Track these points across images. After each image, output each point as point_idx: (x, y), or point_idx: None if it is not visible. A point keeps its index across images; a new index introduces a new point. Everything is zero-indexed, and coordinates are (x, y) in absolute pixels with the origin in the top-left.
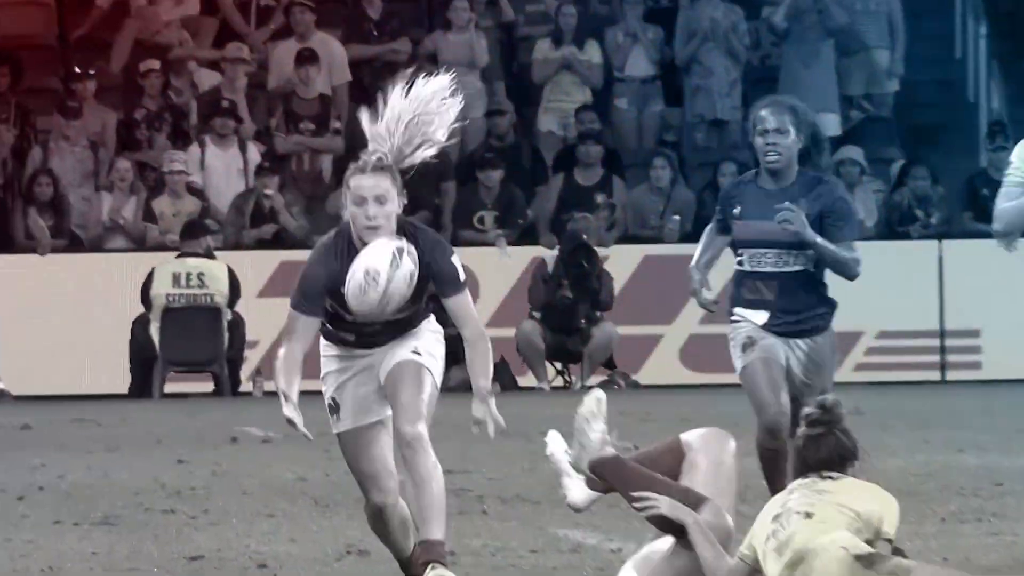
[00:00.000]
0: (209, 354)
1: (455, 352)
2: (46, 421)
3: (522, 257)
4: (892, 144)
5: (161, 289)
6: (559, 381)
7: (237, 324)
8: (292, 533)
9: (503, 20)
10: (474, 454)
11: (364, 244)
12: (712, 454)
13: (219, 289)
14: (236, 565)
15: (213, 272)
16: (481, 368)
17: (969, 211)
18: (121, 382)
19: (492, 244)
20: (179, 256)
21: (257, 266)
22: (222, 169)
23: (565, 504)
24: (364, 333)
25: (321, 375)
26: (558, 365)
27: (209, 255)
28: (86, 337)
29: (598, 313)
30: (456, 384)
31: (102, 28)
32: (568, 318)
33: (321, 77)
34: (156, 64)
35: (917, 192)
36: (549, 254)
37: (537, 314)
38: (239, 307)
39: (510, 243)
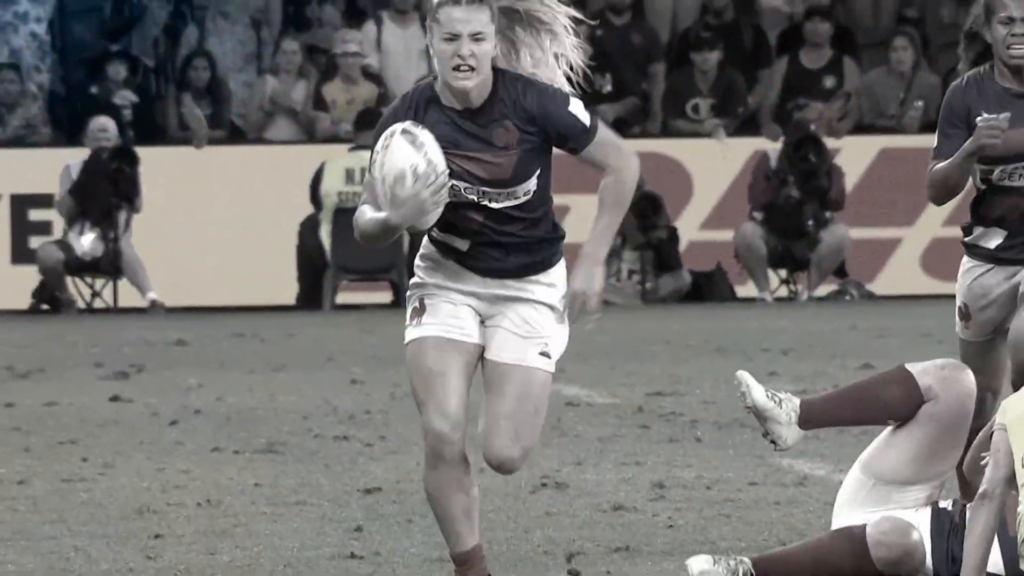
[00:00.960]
0: (387, 261)
1: (666, 259)
2: (203, 337)
3: (742, 151)
4: None
5: (333, 187)
6: (783, 291)
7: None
8: (481, 462)
9: None
10: (686, 373)
11: (452, 91)
12: (953, 404)
13: None
14: (418, 499)
15: None
16: (607, 220)
17: None
18: (287, 292)
19: (708, 135)
20: (353, 149)
21: None
22: (401, 50)
23: (774, 452)
24: (481, 243)
25: (414, 278)
26: (782, 273)
27: None
28: (247, 241)
29: (827, 214)
30: (667, 294)
31: None
32: (794, 219)
33: None
34: None
35: None
36: (772, 147)
37: (759, 215)
38: None
39: (728, 134)
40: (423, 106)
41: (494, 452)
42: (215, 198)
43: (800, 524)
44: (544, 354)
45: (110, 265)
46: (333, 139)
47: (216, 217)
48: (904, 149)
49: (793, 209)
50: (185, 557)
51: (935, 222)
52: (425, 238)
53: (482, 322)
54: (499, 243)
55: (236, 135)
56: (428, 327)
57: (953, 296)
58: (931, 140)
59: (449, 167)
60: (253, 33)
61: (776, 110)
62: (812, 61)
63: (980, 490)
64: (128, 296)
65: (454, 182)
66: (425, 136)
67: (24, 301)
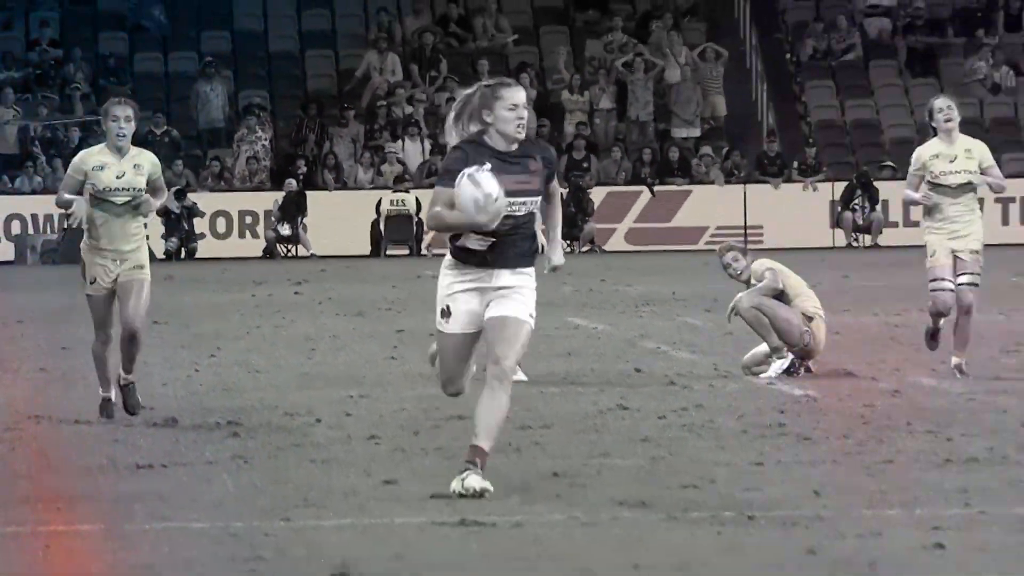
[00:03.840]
0: (406, 236)
1: None
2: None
3: None
4: None
5: (384, 206)
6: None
7: None
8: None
9: None
10: None
11: (507, 139)
12: None
13: None
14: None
15: None
16: (557, 221)
17: None
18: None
19: None
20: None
21: None
22: None
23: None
24: (499, 242)
25: (439, 284)
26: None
27: None
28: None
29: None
30: None
31: None
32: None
33: None
34: None
35: None
36: None
37: None
38: None
39: None
40: (477, 147)
41: (493, 365)
42: None
43: None
44: (530, 315)
45: None
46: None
47: None
48: None
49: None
50: None
51: None
52: (448, 253)
53: (487, 304)
54: (510, 241)
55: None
56: (452, 326)
57: None
58: None
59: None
60: None
61: None
62: None
63: None
64: None
65: (509, 199)
66: (482, 176)
67: None
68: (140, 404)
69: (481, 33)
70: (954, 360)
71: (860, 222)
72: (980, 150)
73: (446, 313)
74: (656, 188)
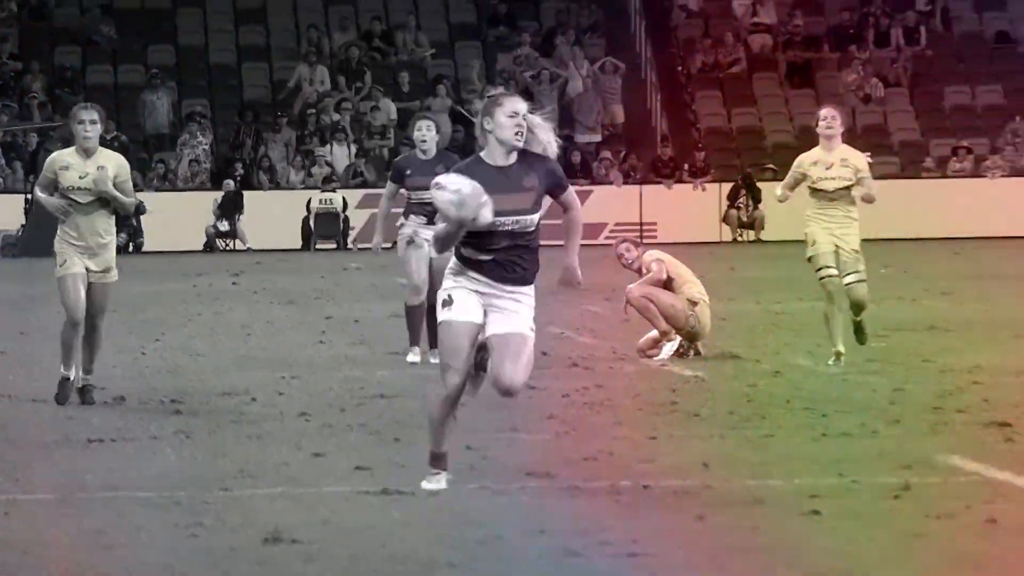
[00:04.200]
0: (333, 231)
1: None
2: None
3: None
4: None
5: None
6: None
7: None
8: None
9: None
10: None
11: (507, 151)
12: None
13: None
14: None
15: None
16: (575, 239)
17: None
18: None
19: None
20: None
21: None
22: None
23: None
24: (500, 259)
25: (446, 280)
26: None
27: None
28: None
29: None
30: None
31: None
32: None
33: None
34: None
35: None
36: None
37: None
38: None
39: None
40: (473, 165)
41: (504, 383)
42: None
43: None
44: (531, 328)
45: None
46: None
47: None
48: None
49: None
50: None
51: None
52: (454, 256)
53: (485, 309)
54: (511, 260)
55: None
56: (455, 313)
57: None
58: None
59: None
60: None
61: None
62: None
63: None
64: None
65: (496, 218)
66: (447, 179)
67: None
68: (94, 401)
69: (402, 47)
70: (841, 347)
71: (744, 219)
72: (856, 160)
73: (448, 302)
74: None
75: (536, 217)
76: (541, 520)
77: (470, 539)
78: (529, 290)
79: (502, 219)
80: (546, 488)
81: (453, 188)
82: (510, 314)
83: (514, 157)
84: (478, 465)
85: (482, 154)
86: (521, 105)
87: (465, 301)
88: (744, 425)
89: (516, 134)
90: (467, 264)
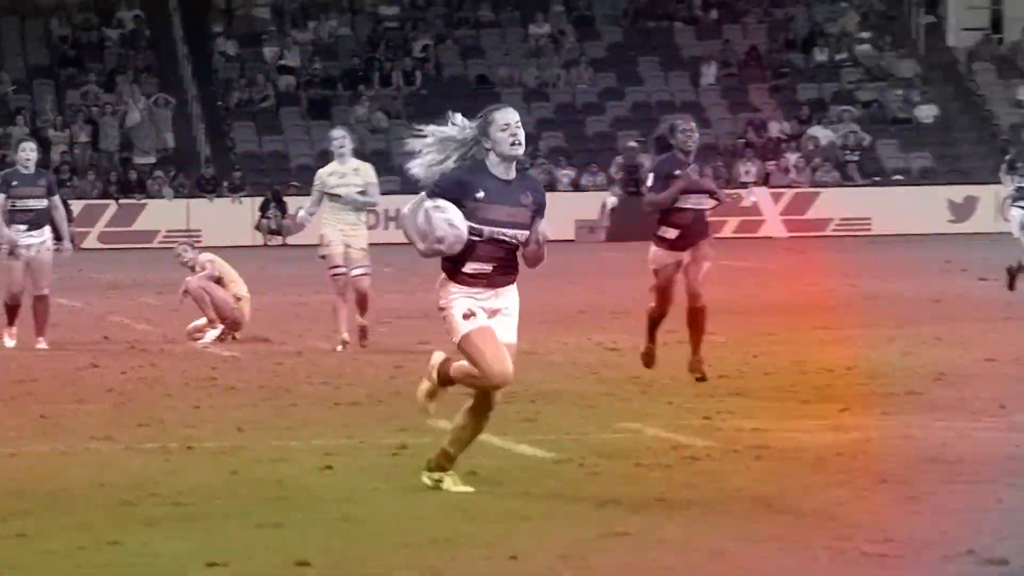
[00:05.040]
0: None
1: None
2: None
3: None
4: None
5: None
6: None
7: None
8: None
9: None
10: None
11: (504, 163)
12: None
13: None
14: None
15: None
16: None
17: None
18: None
19: None
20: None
21: None
22: None
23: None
24: (499, 266)
25: (452, 302)
26: None
27: None
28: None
29: None
30: None
31: None
32: None
33: None
34: None
35: None
36: None
37: None
38: None
39: None
40: (479, 171)
41: (507, 377)
42: None
43: None
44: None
45: None
46: None
47: None
48: None
49: None
50: None
51: None
52: (456, 280)
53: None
54: (507, 265)
55: None
56: (479, 323)
57: None
58: None
59: (497, 215)
60: None
61: None
62: None
63: None
64: None
65: (498, 229)
66: (456, 218)
67: None
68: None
69: None
70: (346, 336)
71: (273, 227)
72: (365, 170)
73: (469, 315)
74: (121, 201)
75: (526, 232)
76: (102, 476)
77: (39, 491)
78: (514, 288)
79: (503, 230)
80: (106, 449)
81: (449, 219)
82: (505, 324)
83: (514, 172)
84: (51, 431)
85: (487, 163)
86: (512, 116)
87: (481, 313)
88: (272, 397)
89: (512, 144)
90: (470, 281)
